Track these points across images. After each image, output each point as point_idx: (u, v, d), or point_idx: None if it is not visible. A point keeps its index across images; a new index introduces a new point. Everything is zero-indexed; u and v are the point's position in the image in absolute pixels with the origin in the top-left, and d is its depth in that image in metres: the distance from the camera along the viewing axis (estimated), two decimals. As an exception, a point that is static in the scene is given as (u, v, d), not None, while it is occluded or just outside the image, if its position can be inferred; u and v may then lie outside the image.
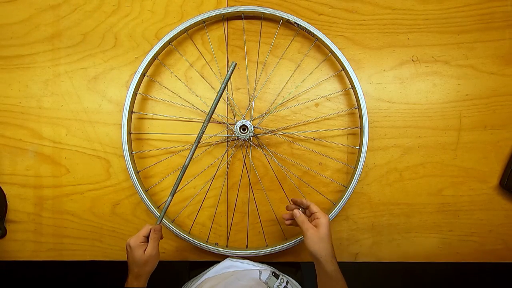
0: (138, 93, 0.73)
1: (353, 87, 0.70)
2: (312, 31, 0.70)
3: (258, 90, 0.74)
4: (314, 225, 0.58)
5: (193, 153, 0.61)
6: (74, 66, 0.75)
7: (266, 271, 0.66)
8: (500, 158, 0.75)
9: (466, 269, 1.43)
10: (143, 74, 0.71)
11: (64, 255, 0.77)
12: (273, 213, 0.75)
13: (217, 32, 0.75)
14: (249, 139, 0.72)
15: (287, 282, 0.65)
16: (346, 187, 0.71)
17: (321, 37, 0.70)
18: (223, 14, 0.71)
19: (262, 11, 0.70)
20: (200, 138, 0.60)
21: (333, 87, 0.75)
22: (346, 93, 0.74)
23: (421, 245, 0.76)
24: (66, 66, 0.75)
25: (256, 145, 0.74)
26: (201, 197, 0.75)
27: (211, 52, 0.74)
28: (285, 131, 0.75)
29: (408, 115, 0.74)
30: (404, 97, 0.74)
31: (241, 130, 0.69)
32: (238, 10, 0.71)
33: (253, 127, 0.70)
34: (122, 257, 0.77)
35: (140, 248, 0.58)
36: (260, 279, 0.64)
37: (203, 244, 0.71)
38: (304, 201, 0.62)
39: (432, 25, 0.74)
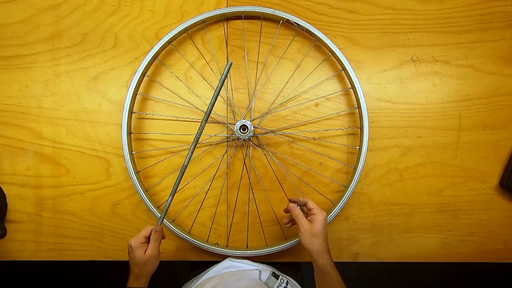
0: (138, 93, 0.73)
1: (353, 87, 0.70)
2: (312, 31, 0.70)
3: (258, 90, 0.74)
4: (309, 220, 0.59)
5: (192, 153, 0.61)
6: (74, 66, 0.75)
7: (266, 271, 0.66)
8: (500, 158, 0.75)
9: (466, 269, 1.43)
10: (143, 74, 0.71)
11: (64, 255, 0.77)
12: (273, 213, 0.75)
13: (217, 32, 0.75)
14: (249, 139, 0.72)
15: (287, 283, 0.65)
16: (346, 187, 0.71)
17: (321, 37, 0.70)
18: (223, 14, 0.71)
19: (262, 11, 0.70)
20: (199, 138, 0.60)
21: (333, 87, 0.75)
22: (346, 93, 0.74)
23: (421, 245, 0.76)
24: (66, 66, 0.75)
25: (256, 145, 0.74)
26: (201, 197, 0.75)
27: (211, 52, 0.74)
28: (285, 131, 0.75)
29: (408, 115, 0.74)
30: (404, 97, 0.74)
31: (241, 130, 0.69)
32: (238, 10, 0.71)
33: (253, 127, 0.70)
34: (122, 257, 0.77)
35: (140, 248, 0.58)
36: (260, 280, 0.64)
37: (203, 244, 0.71)
38: (302, 198, 0.63)
39: (432, 25, 0.74)
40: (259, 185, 0.75)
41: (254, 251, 0.71)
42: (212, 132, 0.74)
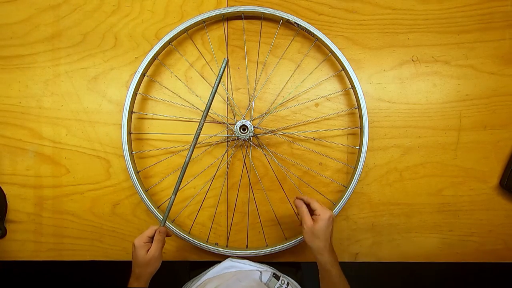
0: (138, 93, 0.73)
1: (353, 87, 0.70)
2: (312, 31, 0.70)
3: (258, 90, 0.74)
4: (313, 219, 0.59)
5: (193, 149, 0.60)
6: (74, 66, 0.75)
7: (267, 272, 0.66)
8: (500, 158, 0.75)
9: (466, 269, 1.43)
10: (143, 74, 0.71)
11: (64, 255, 0.77)
12: (273, 213, 0.75)
13: (217, 32, 0.75)
14: (249, 139, 0.72)
15: (287, 284, 0.65)
16: (346, 187, 0.71)
17: (321, 37, 0.70)
18: (223, 14, 0.71)
19: (262, 11, 0.70)
20: (199, 133, 0.60)
21: (333, 87, 0.75)
22: (346, 93, 0.74)
23: (421, 245, 0.76)
24: (66, 66, 0.75)
25: (256, 145, 0.74)
26: (201, 197, 0.75)
27: (211, 52, 0.74)
28: (285, 131, 0.75)
29: (408, 115, 0.74)
30: (404, 97, 0.74)
31: (241, 130, 0.69)
32: (238, 10, 0.71)
33: (253, 127, 0.70)
34: (122, 257, 0.77)
35: (143, 248, 0.58)
36: (261, 281, 0.64)
37: (203, 244, 0.71)
38: (305, 198, 0.63)
39: (432, 25, 0.74)
40: (259, 185, 0.75)
41: (254, 251, 0.71)
42: (212, 132, 0.74)
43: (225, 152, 0.75)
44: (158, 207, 0.72)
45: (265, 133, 0.74)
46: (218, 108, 0.75)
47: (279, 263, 0.77)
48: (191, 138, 0.74)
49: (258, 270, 0.68)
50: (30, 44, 0.75)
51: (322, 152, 0.75)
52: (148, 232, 0.60)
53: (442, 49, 0.74)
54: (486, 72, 0.74)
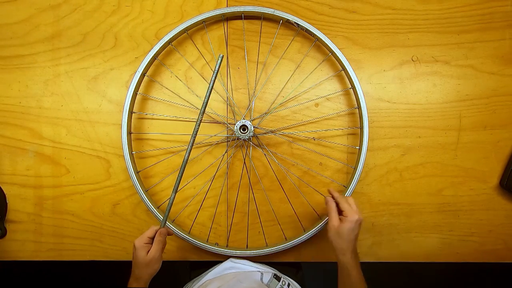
0: (138, 93, 0.73)
1: (353, 87, 0.70)
2: (312, 31, 0.70)
3: (258, 90, 0.74)
4: (340, 218, 0.59)
5: (192, 145, 0.59)
6: (74, 66, 0.75)
7: (267, 273, 0.66)
8: (500, 158, 0.75)
9: (466, 269, 1.43)
10: (143, 74, 0.71)
11: (64, 255, 0.77)
12: (273, 213, 0.75)
13: (217, 32, 0.75)
14: (249, 139, 0.72)
15: (288, 285, 0.65)
16: (346, 187, 0.71)
17: (321, 37, 0.70)
18: (223, 14, 0.71)
19: (262, 11, 0.70)
20: (197, 130, 0.59)
21: (333, 87, 0.75)
22: (346, 93, 0.74)
23: (421, 245, 0.76)
24: (66, 66, 0.75)
25: (256, 145, 0.74)
26: (201, 197, 0.75)
27: (211, 52, 0.74)
28: (285, 131, 0.75)
29: (408, 115, 0.74)
30: (404, 97, 0.74)
31: (241, 130, 0.69)
32: (238, 10, 0.71)
33: (253, 127, 0.70)
34: (122, 257, 0.77)
35: (143, 249, 0.58)
36: (262, 282, 0.64)
37: (203, 244, 0.71)
38: (336, 195, 0.62)
39: (432, 25, 0.74)
40: (259, 185, 0.75)
41: (254, 251, 0.71)
42: (212, 132, 0.74)
43: (225, 152, 0.75)
44: (158, 207, 0.72)
45: (265, 133, 0.74)
46: (218, 108, 0.75)
47: (279, 263, 0.77)
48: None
49: (259, 271, 0.68)
50: (30, 44, 0.75)
51: (322, 152, 0.75)
52: (149, 232, 0.59)
53: (442, 49, 0.74)
54: (486, 72, 0.74)
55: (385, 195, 0.75)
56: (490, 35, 0.74)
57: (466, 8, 0.74)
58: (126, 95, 0.70)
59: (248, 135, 0.69)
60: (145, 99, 0.75)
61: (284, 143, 0.75)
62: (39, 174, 0.75)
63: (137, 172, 0.71)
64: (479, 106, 0.74)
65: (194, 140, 0.60)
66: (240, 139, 0.70)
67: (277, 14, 0.70)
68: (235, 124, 0.70)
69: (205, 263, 0.76)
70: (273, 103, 0.74)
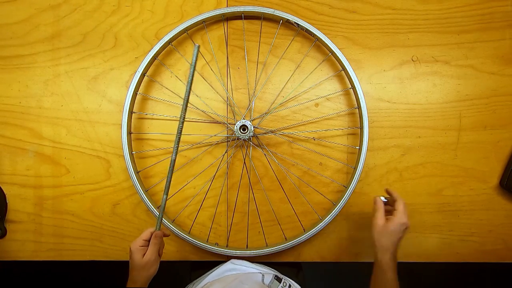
0: (138, 93, 0.73)
1: (353, 87, 0.70)
2: (312, 31, 0.70)
3: (258, 90, 0.74)
4: (387, 218, 0.60)
5: (177, 146, 0.57)
6: (74, 66, 0.75)
7: (268, 274, 0.66)
8: (500, 158, 0.75)
9: (466, 269, 1.42)
10: (143, 74, 0.71)
11: (64, 255, 0.77)
12: (273, 213, 0.75)
13: (217, 32, 0.75)
14: (249, 139, 0.72)
15: (289, 286, 0.65)
16: (346, 187, 0.71)
17: (321, 37, 0.70)
18: (223, 14, 0.71)
19: (262, 11, 0.70)
20: (182, 127, 0.57)
21: (333, 87, 0.75)
22: (346, 93, 0.74)
23: (421, 245, 0.76)
24: (66, 66, 0.75)
25: (256, 145, 0.74)
26: (201, 197, 0.75)
27: (211, 52, 0.74)
28: (285, 131, 0.75)
29: (408, 115, 0.74)
30: (404, 97, 0.74)
31: (241, 130, 0.69)
32: (238, 10, 0.71)
33: (253, 127, 0.70)
34: (122, 257, 0.77)
35: (139, 252, 0.57)
36: (263, 283, 0.64)
37: (203, 244, 0.71)
38: (395, 195, 0.63)
39: (432, 25, 0.74)
40: (259, 185, 0.75)
41: (254, 251, 0.71)
42: (212, 132, 0.74)
43: (225, 152, 0.75)
44: (158, 207, 0.72)
45: (265, 133, 0.74)
46: (218, 108, 0.75)
47: (280, 264, 0.77)
48: (191, 138, 0.74)
49: (260, 272, 0.67)
50: (30, 44, 0.75)
51: (322, 152, 0.75)
52: (144, 235, 0.59)
53: (442, 49, 0.74)
54: (486, 72, 0.74)
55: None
56: (490, 35, 0.74)
57: (466, 8, 0.74)
58: (126, 95, 0.70)
59: (248, 135, 0.69)
60: (145, 99, 0.75)
61: (284, 143, 0.75)
62: (39, 174, 0.75)
63: (137, 172, 0.71)
64: (479, 106, 0.74)
65: (179, 139, 0.57)
66: (240, 139, 0.70)
67: (277, 14, 0.70)
68: (235, 124, 0.70)
69: (206, 263, 0.76)
70: (273, 103, 0.74)
